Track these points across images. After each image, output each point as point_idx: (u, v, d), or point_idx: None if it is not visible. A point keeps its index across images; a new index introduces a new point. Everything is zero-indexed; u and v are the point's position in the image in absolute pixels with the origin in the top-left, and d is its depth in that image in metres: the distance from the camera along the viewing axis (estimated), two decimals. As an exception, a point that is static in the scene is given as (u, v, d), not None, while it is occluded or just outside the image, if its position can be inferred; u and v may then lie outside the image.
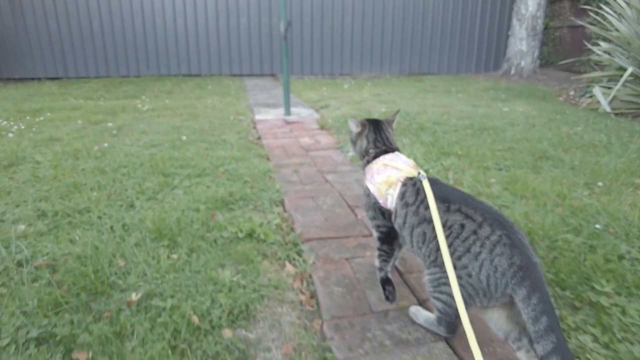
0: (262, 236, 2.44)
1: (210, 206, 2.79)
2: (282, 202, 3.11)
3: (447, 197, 1.54)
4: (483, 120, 5.34)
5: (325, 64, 11.49)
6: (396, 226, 1.74)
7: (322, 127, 5.53)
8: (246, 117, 6.10)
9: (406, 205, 1.65)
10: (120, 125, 5.27)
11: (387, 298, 1.89)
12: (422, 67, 11.80)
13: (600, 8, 7.77)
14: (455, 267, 1.39)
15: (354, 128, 1.97)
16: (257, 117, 6.13)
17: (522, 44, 10.38)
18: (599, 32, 7.39)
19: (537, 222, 2.61)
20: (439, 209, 1.50)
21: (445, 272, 1.41)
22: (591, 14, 8.80)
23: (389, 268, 1.93)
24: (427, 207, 1.55)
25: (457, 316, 1.47)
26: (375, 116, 5.89)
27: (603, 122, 5.45)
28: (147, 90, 8.53)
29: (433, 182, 1.64)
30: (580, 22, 11.09)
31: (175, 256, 2.18)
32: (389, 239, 1.84)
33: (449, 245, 1.43)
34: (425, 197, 1.57)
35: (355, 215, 2.88)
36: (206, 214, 2.67)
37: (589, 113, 6.17)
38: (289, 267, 2.23)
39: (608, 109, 6.20)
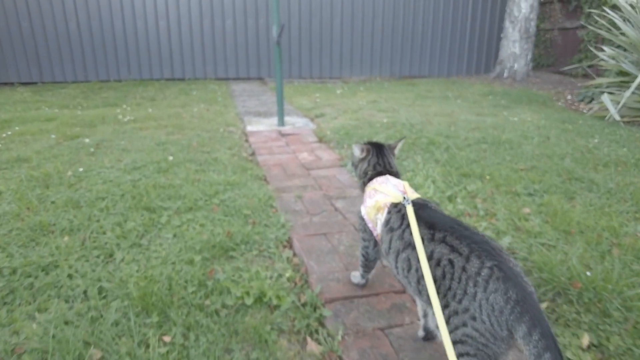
0: (274, 301, 1.93)
1: (206, 255, 2.26)
2: (289, 242, 2.60)
3: (433, 223, 1.44)
4: (494, 132, 4.90)
5: (314, 67, 10.97)
6: (383, 250, 1.68)
7: (320, 140, 5.03)
8: (237, 128, 5.56)
9: (391, 230, 1.60)
10: (99, 140, 4.68)
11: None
12: (412, 70, 11.36)
13: (603, 11, 7.42)
14: (457, 313, 1.27)
15: (358, 153, 1.94)
16: (249, 128, 5.59)
17: (515, 47, 10.02)
18: (609, 37, 7.00)
19: (598, 270, 2.15)
20: (424, 235, 1.42)
21: (448, 323, 1.28)
22: (595, 17, 8.43)
23: (369, 276, 2.06)
24: (410, 232, 1.47)
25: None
26: (377, 126, 5.47)
27: (617, 133, 5.06)
28: (128, 96, 7.90)
29: (421, 207, 1.56)
30: (571, 25, 10.80)
31: (168, 338, 1.66)
32: (369, 259, 1.91)
33: (448, 288, 1.30)
34: (409, 222, 1.49)
35: (381, 260, 2.39)
36: (203, 268, 2.15)
37: (598, 122, 5.77)
38: (312, 345, 1.73)
39: (617, 117, 5.82)
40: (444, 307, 1.29)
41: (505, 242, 2.51)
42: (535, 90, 8.70)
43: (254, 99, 7.93)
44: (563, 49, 11.08)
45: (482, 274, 1.23)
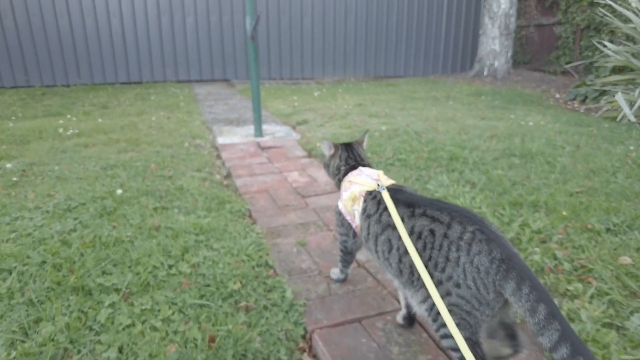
0: None
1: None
2: (309, 342, 1.61)
3: (411, 202, 1.35)
4: (515, 140, 4.03)
5: (284, 67, 9.92)
6: (363, 240, 1.59)
7: (309, 154, 4.03)
8: (205, 141, 4.48)
9: (368, 217, 1.51)
10: (27, 164, 3.52)
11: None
12: (387, 69, 10.49)
13: (606, 5, 6.75)
14: (441, 282, 1.17)
15: (327, 150, 1.86)
16: (220, 140, 4.52)
17: (494, 44, 9.29)
18: (626, 29, 6.26)
19: None
20: (403, 214, 1.33)
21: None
22: (601, 9, 7.74)
23: (348, 271, 1.93)
24: (390, 215, 1.37)
25: (475, 344, 1.16)
26: (376, 136, 4.52)
27: (645, 137, 4.31)
28: (76, 104, 6.64)
29: (396, 191, 1.47)
30: (547, 22, 10.19)
31: None
32: (350, 251, 1.80)
33: (429, 258, 1.21)
34: (386, 205, 1.40)
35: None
36: None
37: (613, 124, 5.02)
38: None
39: (632, 119, 5.09)
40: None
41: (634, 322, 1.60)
42: (521, 89, 7.98)
43: (221, 104, 6.82)
44: (539, 46, 10.47)
45: (465, 237, 1.15)
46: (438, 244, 1.20)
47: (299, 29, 9.70)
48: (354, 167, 1.75)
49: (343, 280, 1.95)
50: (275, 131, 4.90)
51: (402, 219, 1.31)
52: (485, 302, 1.12)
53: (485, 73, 9.50)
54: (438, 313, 1.18)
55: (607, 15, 6.58)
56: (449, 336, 1.17)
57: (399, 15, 10.16)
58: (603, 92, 6.75)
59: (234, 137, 4.64)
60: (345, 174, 1.76)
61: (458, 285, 1.15)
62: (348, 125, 4.70)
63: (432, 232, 1.22)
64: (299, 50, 9.85)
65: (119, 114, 5.80)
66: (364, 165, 1.76)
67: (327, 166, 1.91)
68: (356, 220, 1.60)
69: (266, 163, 3.81)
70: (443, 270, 1.18)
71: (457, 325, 1.13)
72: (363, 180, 1.60)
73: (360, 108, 5.82)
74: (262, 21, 9.51)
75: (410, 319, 1.62)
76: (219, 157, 4.08)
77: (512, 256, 1.09)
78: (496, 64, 9.36)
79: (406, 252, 1.27)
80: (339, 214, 1.72)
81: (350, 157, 1.81)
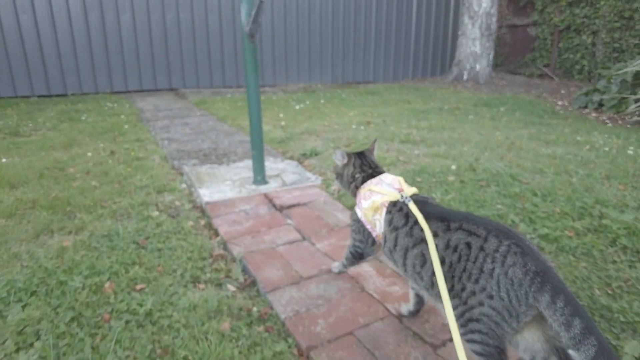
0: None
1: None
2: None
3: (444, 215, 1.29)
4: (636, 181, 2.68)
5: (241, 74, 8.12)
6: (385, 251, 1.49)
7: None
8: (179, 196, 2.73)
9: (395, 229, 1.42)
10: None
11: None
12: (356, 74, 9.02)
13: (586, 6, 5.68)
14: (474, 293, 1.14)
15: (340, 160, 1.75)
16: (204, 194, 2.77)
17: (475, 45, 8.12)
18: None
19: None
20: (437, 228, 1.27)
21: (465, 304, 1.15)
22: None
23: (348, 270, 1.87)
24: (421, 228, 1.30)
25: (502, 351, 1.14)
26: (437, 171, 2.97)
27: None
28: (-31, 130, 4.51)
29: (423, 203, 1.42)
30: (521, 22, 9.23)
31: None
32: (361, 257, 1.72)
33: (463, 270, 1.17)
34: (417, 218, 1.33)
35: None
36: None
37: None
38: None
39: None
40: (461, 289, 1.16)
41: None
42: (515, 95, 6.83)
43: (179, 124, 4.97)
44: (513, 47, 9.50)
45: (500, 250, 1.11)
46: (474, 256, 1.15)
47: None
48: (371, 175, 1.65)
49: (342, 272, 1.88)
50: (280, 171, 3.22)
51: (436, 233, 1.26)
52: (516, 314, 1.08)
53: (465, 77, 8.31)
54: (468, 321, 1.15)
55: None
56: (476, 342, 1.15)
57: (367, 14, 8.72)
58: (622, 100, 5.74)
59: (224, 187, 2.91)
60: (363, 181, 1.65)
61: (491, 297, 1.10)
62: (392, 161, 3.13)
63: (468, 245, 1.17)
64: (258, 54, 8.09)
65: (36, 147, 3.82)
66: (378, 172, 1.66)
67: (340, 176, 1.78)
68: (377, 229, 1.52)
69: (302, 245, 2.16)
70: (477, 281, 1.13)
71: (486, 334, 1.12)
72: (385, 190, 1.52)
73: (373, 128, 4.27)
74: (215, 20, 7.65)
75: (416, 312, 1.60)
76: (210, 227, 2.37)
77: (546, 270, 1.04)
78: (477, 67, 8.20)
79: (442, 263, 1.21)
80: (357, 221, 1.64)
81: (364, 164, 1.70)
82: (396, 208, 1.44)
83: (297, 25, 8.26)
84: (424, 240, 1.28)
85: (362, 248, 1.66)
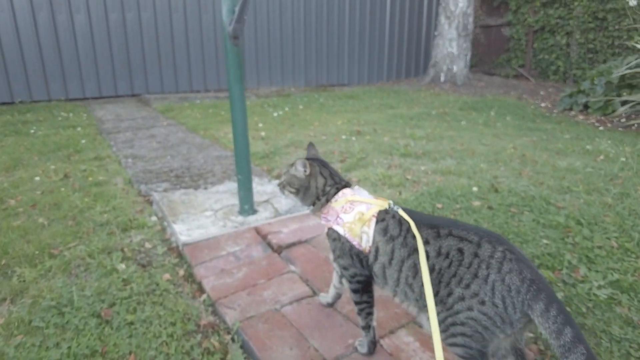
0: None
1: None
2: None
3: (433, 222, 1.23)
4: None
5: (209, 76, 7.51)
6: (377, 267, 1.31)
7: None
8: (150, 235, 2.20)
9: (391, 239, 1.27)
10: None
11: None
12: (330, 77, 8.58)
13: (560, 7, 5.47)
14: (463, 298, 1.09)
15: (303, 171, 1.43)
16: (181, 231, 2.24)
17: (452, 46, 7.84)
18: None
19: None
20: (427, 235, 1.20)
21: (450, 309, 1.12)
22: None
23: (374, 322, 1.42)
24: (414, 236, 1.22)
25: (484, 355, 1.12)
26: (457, 194, 2.54)
27: None
28: None
29: (410, 211, 1.31)
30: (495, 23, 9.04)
31: None
32: (367, 286, 1.38)
33: (453, 275, 1.12)
34: (410, 226, 1.24)
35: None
36: None
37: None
38: None
39: None
40: (447, 295, 1.12)
41: None
42: (497, 97, 6.58)
43: (144, 136, 4.38)
44: (487, 47, 9.31)
45: (496, 256, 1.08)
46: (467, 262, 1.11)
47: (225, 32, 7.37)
48: (345, 186, 1.46)
49: (373, 350, 1.41)
50: (269, 195, 2.72)
51: (427, 241, 1.19)
52: (509, 321, 1.06)
53: (442, 79, 8.01)
54: (451, 325, 1.12)
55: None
56: (458, 345, 1.13)
57: (340, 15, 8.29)
58: (608, 102, 5.55)
59: (204, 221, 2.39)
60: (335, 193, 1.44)
61: (482, 303, 1.07)
62: (400, 180, 2.69)
63: (460, 250, 1.13)
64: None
65: (-29, 171, 3.16)
66: (346, 183, 1.48)
67: (303, 189, 1.45)
68: (363, 244, 1.32)
69: (314, 303, 1.69)
70: (467, 286, 1.09)
71: (470, 337, 1.10)
72: (369, 199, 1.38)
73: (367, 138, 3.82)
74: (180, 20, 7.02)
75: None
76: (192, 279, 1.86)
77: (540, 278, 1.04)
78: (455, 68, 7.92)
79: (431, 271, 1.15)
80: (337, 239, 1.39)
81: (333, 174, 1.48)
82: (389, 215, 1.31)
83: (268, 26, 7.73)
84: (416, 250, 1.20)
85: (357, 274, 1.37)
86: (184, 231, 2.24)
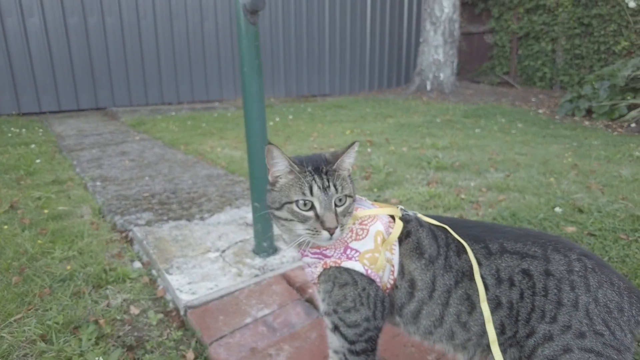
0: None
1: None
2: None
3: (472, 232, 0.90)
4: None
5: (182, 87, 6.77)
6: (412, 307, 0.90)
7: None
8: (139, 296, 1.51)
9: (430, 262, 0.89)
10: None
11: None
12: (311, 87, 8.00)
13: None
14: (551, 338, 0.79)
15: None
16: (182, 291, 1.57)
17: (438, 53, 7.44)
18: None
19: None
20: (476, 253, 0.87)
21: (531, 356, 0.80)
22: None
23: None
24: (457, 253, 0.88)
25: None
26: (540, 217, 1.99)
27: None
28: None
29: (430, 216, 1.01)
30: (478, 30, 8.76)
31: None
32: (376, 343, 0.98)
33: (531, 310, 0.81)
34: (447, 237, 0.89)
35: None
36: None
37: None
38: None
39: None
40: (526, 336, 0.81)
41: None
42: (491, 104, 6.19)
43: (114, 154, 3.62)
44: (469, 55, 9.01)
45: (575, 269, 0.80)
46: (541, 286, 0.81)
47: (199, 40, 6.68)
48: None
49: None
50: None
51: (479, 261, 0.86)
52: (625, 347, 0.77)
53: (429, 87, 7.59)
54: None
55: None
56: None
57: (320, 23, 7.76)
58: (614, 106, 5.22)
59: (209, 267, 1.71)
60: None
61: (582, 335, 0.77)
62: (455, 202, 2.10)
63: (526, 272, 0.83)
64: (202, 67, 6.80)
65: None
66: None
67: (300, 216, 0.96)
68: (385, 278, 0.91)
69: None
70: (554, 319, 0.79)
71: None
72: (376, 209, 0.97)
73: (380, 150, 3.23)
74: (151, 33, 6.28)
75: None
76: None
77: (630, 283, 0.80)
78: (441, 76, 7.52)
79: (497, 306, 0.83)
80: (349, 284, 0.91)
81: None
82: (413, 225, 0.93)
83: (246, 32, 7.09)
84: (465, 274, 0.85)
85: (375, 325, 0.95)
86: (184, 286, 1.56)
